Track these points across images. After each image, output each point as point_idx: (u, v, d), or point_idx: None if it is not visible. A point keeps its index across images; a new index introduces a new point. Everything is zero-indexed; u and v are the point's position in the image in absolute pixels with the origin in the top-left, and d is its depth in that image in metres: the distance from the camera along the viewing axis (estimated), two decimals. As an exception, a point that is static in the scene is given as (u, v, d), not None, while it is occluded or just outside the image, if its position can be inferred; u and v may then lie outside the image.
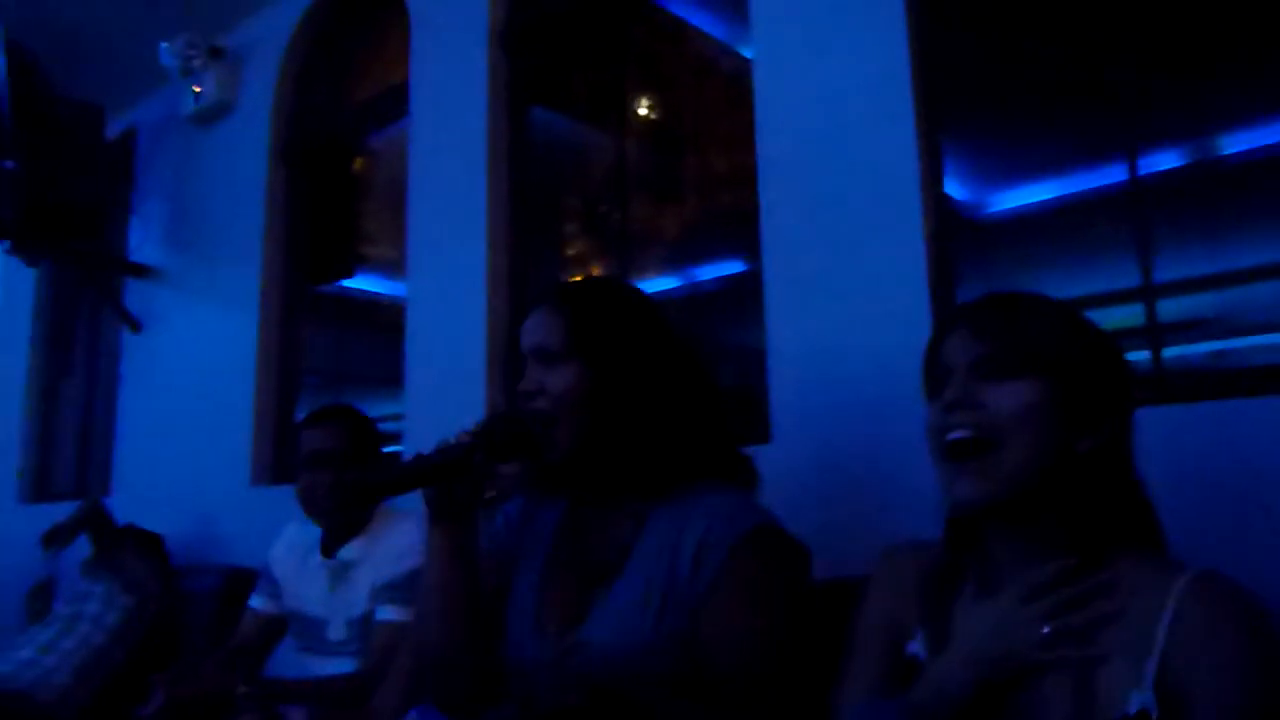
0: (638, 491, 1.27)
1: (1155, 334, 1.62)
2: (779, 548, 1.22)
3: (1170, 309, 1.66)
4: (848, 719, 1.04)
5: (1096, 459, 0.98)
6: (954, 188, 1.89)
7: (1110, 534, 0.99)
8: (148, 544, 2.92)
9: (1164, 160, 1.92)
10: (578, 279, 1.41)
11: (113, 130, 4.14)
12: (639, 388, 1.25)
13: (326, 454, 2.06)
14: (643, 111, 3.18)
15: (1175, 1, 1.89)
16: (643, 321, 1.32)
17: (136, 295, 4.05)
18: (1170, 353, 1.65)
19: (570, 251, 3.79)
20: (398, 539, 2.03)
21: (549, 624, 1.27)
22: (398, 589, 1.96)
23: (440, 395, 2.65)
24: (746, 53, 2.17)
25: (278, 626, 2.20)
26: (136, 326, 3.97)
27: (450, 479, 1.24)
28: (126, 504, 3.31)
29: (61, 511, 3.15)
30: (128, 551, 2.77)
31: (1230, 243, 2.42)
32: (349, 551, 2.06)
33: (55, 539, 2.94)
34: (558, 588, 1.30)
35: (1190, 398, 1.49)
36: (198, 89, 3.64)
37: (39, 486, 4.78)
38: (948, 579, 1.06)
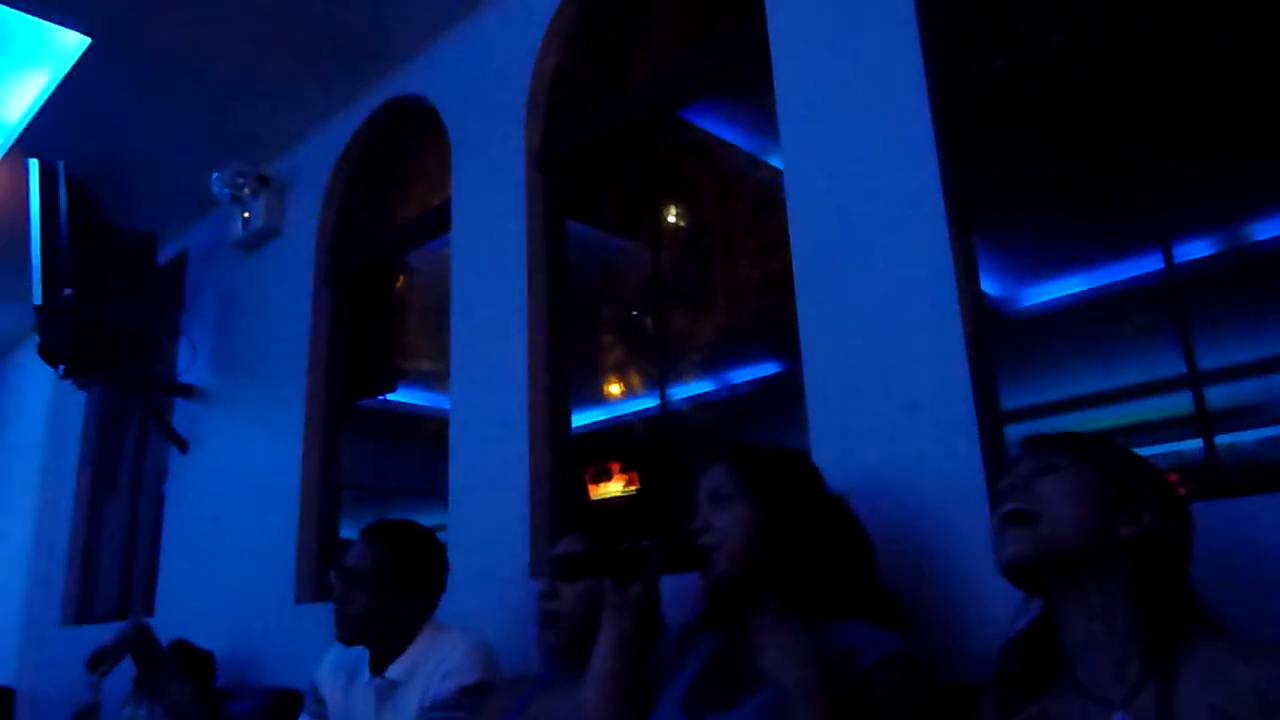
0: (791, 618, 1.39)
1: (1205, 424, 1.59)
2: (913, 671, 1.33)
3: (1213, 398, 1.65)
4: None
5: (1143, 547, 1.08)
6: (986, 284, 1.90)
7: (1181, 617, 1.05)
8: (195, 665, 2.89)
9: (1197, 249, 1.93)
10: (750, 445, 1.62)
11: (164, 256, 4.31)
12: (792, 527, 1.45)
13: (359, 573, 2.03)
14: (676, 222, 3.27)
15: (1202, 91, 1.92)
16: (800, 476, 1.55)
17: (184, 416, 4.14)
18: (1220, 440, 1.63)
19: (609, 359, 3.84)
20: (446, 656, 1.99)
21: (695, 708, 1.42)
22: (447, 708, 1.92)
23: (484, 506, 2.65)
24: (775, 162, 2.23)
25: (327, 748, 2.16)
26: (184, 447, 4.04)
27: (630, 574, 1.48)
28: (169, 625, 3.30)
29: (105, 634, 3.14)
30: (170, 676, 2.75)
31: (1269, 329, 2.40)
32: (396, 670, 2.02)
33: (101, 663, 2.92)
34: (709, 684, 1.45)
35: (1246, 490, 1.46)
36: (246, 215, 3.81)
37: (82, 608, 4.79)
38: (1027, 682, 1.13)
